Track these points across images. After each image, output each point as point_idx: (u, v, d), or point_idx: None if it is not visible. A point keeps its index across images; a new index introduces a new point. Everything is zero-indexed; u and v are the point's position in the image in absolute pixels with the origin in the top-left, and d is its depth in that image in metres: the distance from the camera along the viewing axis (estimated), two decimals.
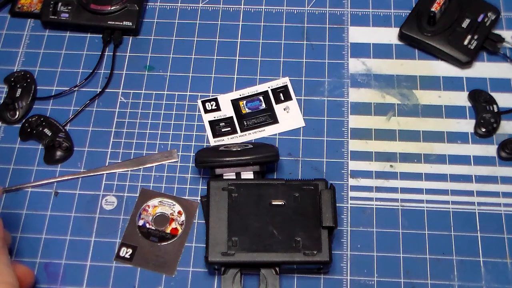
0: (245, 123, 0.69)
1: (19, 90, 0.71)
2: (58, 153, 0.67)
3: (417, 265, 0.61)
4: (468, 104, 0.70)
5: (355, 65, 0.73)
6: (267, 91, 0.71)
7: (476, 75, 0.72)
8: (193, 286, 0.60)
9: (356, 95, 0.71)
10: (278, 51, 0.74)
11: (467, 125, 0.69)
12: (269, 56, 0.73)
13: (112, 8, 0.74)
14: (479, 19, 0.72)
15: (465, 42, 0.71)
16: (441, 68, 0.72)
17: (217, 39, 0.75)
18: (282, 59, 0.73)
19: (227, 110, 0.70)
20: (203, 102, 0.71)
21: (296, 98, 0.71)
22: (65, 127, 0.69)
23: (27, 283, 0.57)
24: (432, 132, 0.68)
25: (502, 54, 0.73)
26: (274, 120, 0.69)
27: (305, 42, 0.74)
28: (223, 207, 0.60)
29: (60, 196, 0.66)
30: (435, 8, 0.71)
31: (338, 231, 0.63)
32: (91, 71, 0.72)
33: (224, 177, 0.63)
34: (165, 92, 0.72)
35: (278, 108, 0.70)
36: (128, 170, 0.67)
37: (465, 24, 0.72)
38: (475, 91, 0.70)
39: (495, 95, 0.70)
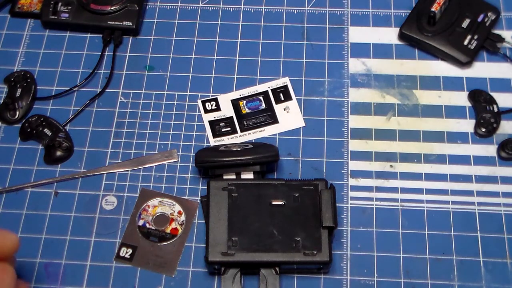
0: (245, 123, 0.69)
1: (19, 90, 0.71)
2: (58, 153, 0.67)
3: (417, 265, 0.61)
4: (468, 104, 0.70)
5: (355, 65, 0.73)
6: (267, 91, 0.71)
7: (476, 75, 0.72)
8: (193, 286, 0.60)
9: (356, 95, 0.71)
10: (278, 51, 0.74)
11: (467, 125, 0.69)
12: (269, 56, 0.73)
13: (112, 8, 0.74)
14: (479, 19, 0.72)
15: (465, 42, 0.71)
16: (441, 68, 0.72)
17: (217, 39, 0.75)
18: (282, 59, 0.73)
19: (227, 110, 0.70)
20: (203, 102, 0.71)
21: (296, 98, 0.71)
22: (65, 127, 0.69)
23: None
24: (432, 132, 0.68)
25: (502, 54, 0.72)
26: (274, 120, 0.69)
27: (305, 42, 0.74)
28: (223, 207, 0.60)
29: (60, 196, 0.66)
30: (435, 8, 0.71)
31: (338, 231, 0.63)
32: (91, 71, 0.72)
33: (224, 177, 0.63)
34: (165, 92, 0.72)
35: (278, 108, 0.70)
36: (128, 170, 0.67)
37: (465, 24, 0.72)
38: (475, 91, 0.70)
39: (495, 95, 0.70)
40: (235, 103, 0.71)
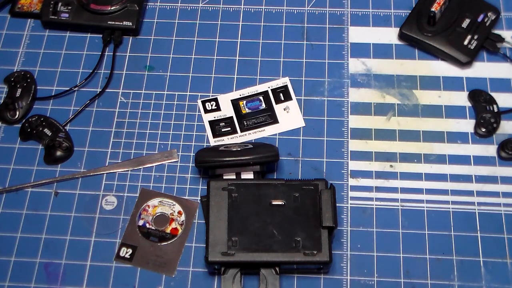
0: (245, 123, 0.69)
1: (19, 90, 0.71)
2: (58, 153, 0.67)
3: (417, 265, 0.61)
4: (468, 104, 0.70)
5: (355, 65, 0.73)
6: (267, 91, 0.71)
7: (476, 75, 0.72)
8: (193, 286, 0.60)
9: (356, 95, 0.71)
10: (278, 51, 0.74)
11: (467, 125, 0.69)
12: (269, 56, 0.73)
13: (112, 8, 0.74)
14: (479, 19, 0.72)
15: (465, 42, 0.71)
16: (441, 68, 0.72)
17: (217, 39, 0.75)
18: (282, 59, 0.73)
19: (227, 110, 0.70)
20: (203, 102, 0.71)
21: (296, 98, 0.71)
22: (65, 127, 0.69)
23: None
24: (432, 132, 0.68)
25: (502, 54, 0.72)
26: (274, 120, 0.69)
27: (305, 42, 0.74)
28: (223, 207, 0.60)
29: (60, 196, 0.66)
30: (435, 8, 0.71)
31: (338, 231, 0.63)
32: (91, 71, 0.72)
33: (224, 177, 0.63)
34: (165, 92, 0.72)
35: (278, 108, 0.70)
36: (128, 170, 0.67)
37: (465, 24, 0.72)
38: (475, 91, 0.70)
39: (495, 95, 0.70)
40: (235, 103, 0.71)
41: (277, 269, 0.58)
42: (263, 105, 0.70)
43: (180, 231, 0.63)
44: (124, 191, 0.66)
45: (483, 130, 0.68)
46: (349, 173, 0.66)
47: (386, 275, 0.61)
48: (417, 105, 0.70)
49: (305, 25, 0.76)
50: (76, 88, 0.72)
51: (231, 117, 0.70)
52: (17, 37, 0.76)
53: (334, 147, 0.68)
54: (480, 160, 0.67)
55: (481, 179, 0.65)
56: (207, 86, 0.72)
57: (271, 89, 0.71)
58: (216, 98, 0.71)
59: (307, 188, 0.61)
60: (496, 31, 0.73)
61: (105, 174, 0.67)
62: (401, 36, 0.74)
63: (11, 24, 0.77)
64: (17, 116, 0.70)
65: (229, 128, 0.69)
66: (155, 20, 0.77)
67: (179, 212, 0.64)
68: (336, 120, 0.69)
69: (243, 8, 0.77)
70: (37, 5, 0.77)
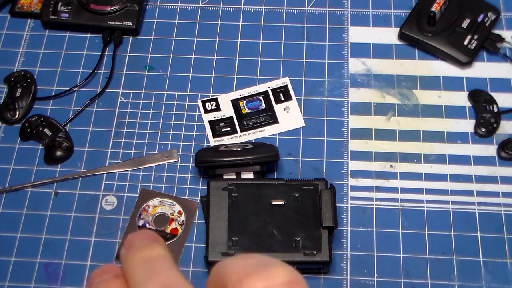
0: (245, 123, 0.69)
1: (19, 90, 0.71)
2: (58, 153, 0.67)
3: (417, 265, 0.61)
4: (468, 104, 0.70)
5: (355, 65, 0.73)
6: (267, 91, 0.71)
7: (476, 75, 0.72)
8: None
9: (356, 95, 0.71)
10: (278, 51, 0.74)
11: (467, 125, 0.69)
12: (269, 56, 0.73)
13: (112, 8, 0.74)
14: (479, 19, 0.72)
15: (465, 42, 0.71)
16: (441, 68, 0.72)
17: (217, 39, 0.75)
18: (282, 59, 0.73)
19: (227, 110, 0.70)
20: (203, 102, 0.71)
21: (296, 98, 0.71)
22: (65, 127, 0.69)
23: None
24: (432, 132, 0.68)
25: (502, 54, 0.72)
26: (274, 120, 0.69)
27: (305, 42, 0.74)
28: (223, 207, 0.60)
29: (60, 196, 0.65)
30: (435, 8, 0.71)
31: (338, 231, 0.63)
32: (91, 71, 0.72)
33: (224, 177, 0.63)
34: (165, 92, 0.72)
35: (278, 108, 0.70)
36: (128, 170, 0.67)
37: (465, 24, 0.72)
38: (475, 91, 0.70)
39: (495, 95, 0.70)
40: (235, 103, 0.71)
41: None
42: (263, 105, 0.70)
43: (180, 231, 0.63)
44: (124, 191, 0.66)
45: (483, 130, 0.68)
46: (349, 173, 0.66)
47: (386, 275, 0.61)
48: (417, 105, 0.70)
49: (305, 25, 0.76)
50: (76, 88, 0.72)
51: (231, 117, 0.70)
52: (17, 37, 0.76)
53: (334, 147, 0.68)
54: (480, 160, 0.66)
55: (481, 179, 0.65)
56: (207, 86, 0.72)
57: (271, 89, 0.71)
58: (216, 98, 0.71)
59: (307, 188, 0.61)
60: (496, 31, 0.73)
61: (105, 174, 0.67)
62: (401, 36, 0.74)
63: (11, 24, 0.77)
64: (17, 116, 0.70)
65: (229, 128, 0.69)
66: (155, 20, 0.77)
67: (179, 212, 0.64)
68: (336, 120, 0.69)
69: (243, 8, 0.77)
70: (37, 5, 0.77)
